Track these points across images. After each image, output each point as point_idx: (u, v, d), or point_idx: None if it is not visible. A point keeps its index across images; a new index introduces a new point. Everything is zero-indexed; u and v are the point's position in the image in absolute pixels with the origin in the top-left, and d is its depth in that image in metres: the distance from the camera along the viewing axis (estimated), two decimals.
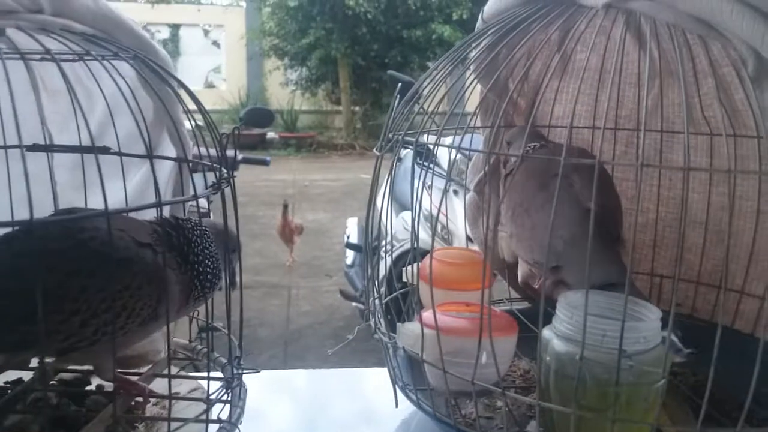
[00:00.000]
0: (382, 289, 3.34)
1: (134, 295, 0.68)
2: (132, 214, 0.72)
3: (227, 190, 0.72)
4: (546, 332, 0.67)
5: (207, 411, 0.68)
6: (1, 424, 0.74)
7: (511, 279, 1.08)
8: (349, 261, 4.17)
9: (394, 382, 0.82)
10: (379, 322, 0.84)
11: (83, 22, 0.66)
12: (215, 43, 13.60)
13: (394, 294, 0.96)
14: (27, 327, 0.63)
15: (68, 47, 0.69)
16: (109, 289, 0.65)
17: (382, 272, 3.44)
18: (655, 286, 1.05)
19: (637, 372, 0.62)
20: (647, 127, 1.01)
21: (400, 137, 0.82)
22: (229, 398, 0.72)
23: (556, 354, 0.66)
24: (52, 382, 0.83)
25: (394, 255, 3.25)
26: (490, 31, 0.85)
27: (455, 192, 3.17)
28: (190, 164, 0.84)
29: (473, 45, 0.86)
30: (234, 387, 0.72)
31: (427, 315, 0.74)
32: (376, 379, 1.09)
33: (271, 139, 10.82)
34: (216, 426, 0.69)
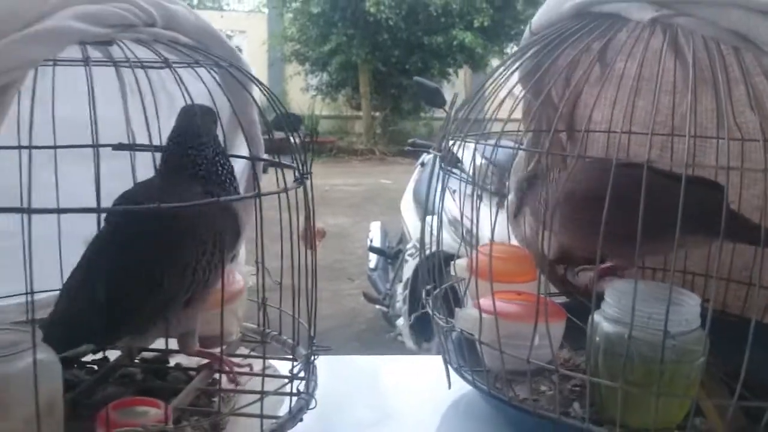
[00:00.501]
0: (406, 291, 3.38)
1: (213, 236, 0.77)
2: None
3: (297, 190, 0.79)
4: (596, 316, 0.74)
5: (291, 382, 0.76)
6: (95, 396, 0.82)
7: (551, 275, 1.15)
8: (372, 264, 4.24)
9: (447, 364, 0.89)
10: (436, 309, 0.91)
11: (185, 34, 0.74)
12: (237, 49, 13.68)
13: (446, 285, 1.03)
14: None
15: (157, 55, 0.77)
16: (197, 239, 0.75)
17: (406, 275, 3.51)
18: (687, 283, 1.12)
19: (679, 350, 0.69)
20: (680, 132, 1.08)
21: (461, 137, 0.89)
22: (305, 375, 0.79)
23: (605, 334, 0.73)
24: (135, 360, 0.91)
25: (419, 258, 3.32)
26: (537, 42, 0.92)
27: (480, 197, 3.23)
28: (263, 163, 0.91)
29: (524, 55, 0.93)
30: (310, 364, 0.79)
31: (484, 301, 0.81)
32: (423, 365, 1.17)
33: (284, 147, 10.90)
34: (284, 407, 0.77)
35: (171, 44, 0.72)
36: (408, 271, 3.37)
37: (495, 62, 10.33)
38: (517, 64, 0.95)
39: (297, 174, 0.77)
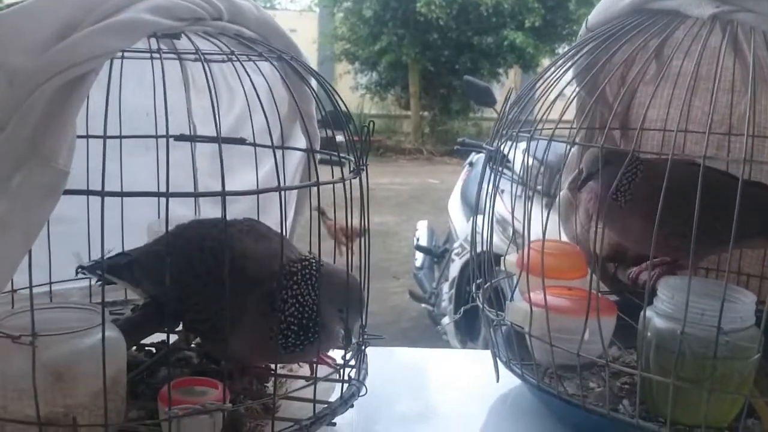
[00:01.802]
0: (452, 291, 3.36)
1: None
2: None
3: (351, 182, 0.80)
4: (648, 312, 0.74)
5: (342, 369, 0.78)
6: (156, 376, 0.85)
7: (602, 273, 1.15)
8: (418, 263, 4.25)
9: (496, 358, 0.90)
10: (486, 303, 0.92)
11: (249, 27, 0.76)
12: None
13: (496, 280, 1.03)
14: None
15: (219, 48, 0.80)
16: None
17: (452, 274, 3.51)
18: (741, 284, 1.10)
19: (733, 347, 0.69)
20: (738, 131, 1.06)
21: (514, 134, 0.89)
22: (356, 362, 0.81)
23: (657, 330, 0.73)
24: (192, 345, 0.94)
25: (465, 258, 3.32)
26: (593, 39, 0.92)
27: (529, 197, 3.21)
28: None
29: (579, 52, 0.93)
30: (361, 352, 0.81)
31: (534, 295, 0.82)
32: (470, 359, 1.18)
33: (339, 142, 10.99)
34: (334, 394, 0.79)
35: (236, 37, 0.75)
36: (454, 270, 3.37)
37: (546, 63, 10.22)
38: (572, 61, 0.95)
39: (353, 166, 0.78)
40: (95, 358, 0.61)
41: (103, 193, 0.58)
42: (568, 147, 0.93)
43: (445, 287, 3.53)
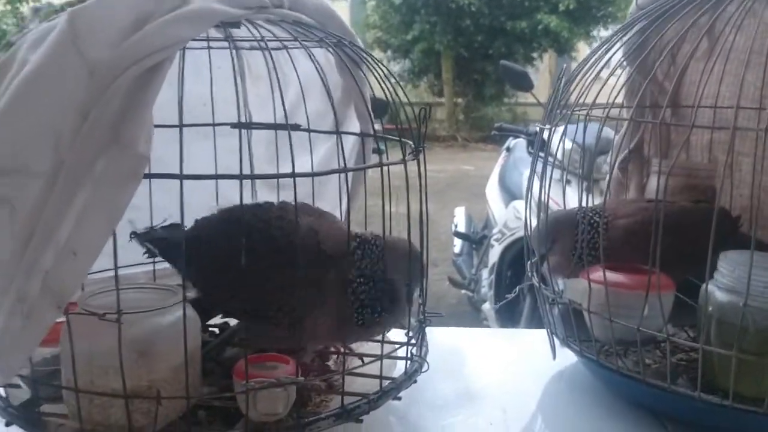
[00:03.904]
0: (492, 276, 3.35)
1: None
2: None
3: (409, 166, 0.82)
4: (709, 285, 0.75)
5: (407, 345, 0.80)
6: (221, 355, 0.88)
7: None
8: (457, 249, 4.26)
9: (553, 335, 0.91)
10: (543, 281, 0.93)
11: (308, 14, 0.79)
12: None
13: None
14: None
15: (274, 35, 0.82)
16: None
17: (492, 260, 3.50)
18: None
19: None
20: None
21: (569, 113, 0.90)
22: (417, 340, 0.83)
23: (719, 303, 0.73)
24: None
25: (505, 243, 3.32)
26: (644, 17, 0.92)
27: (568, 182, 3.19)
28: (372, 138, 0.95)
29: (627, 31, 0.93)
30: (422, 330, 0.83)
31: (592, 272, 0.83)
32: (524, 338, 1.19)
33: (384, 129, 11.00)
34: (397, 370, 0.81)
35: (294, 24, 0.77)
36: (494, 256, 3.37)
37: (581, 46, 10.09)
38: (622, 40, 0.95)
39: (412, 147, 0.80)
40: (175, 334, 0.64)
41: (181, 177, 0.61)
42: (623, 126, 0.93)
43: (485, 273, 3.53)
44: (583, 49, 9.80)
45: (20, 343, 0.62)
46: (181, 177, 0.60)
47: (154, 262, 1.00)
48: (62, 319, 0.63)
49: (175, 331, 0.64)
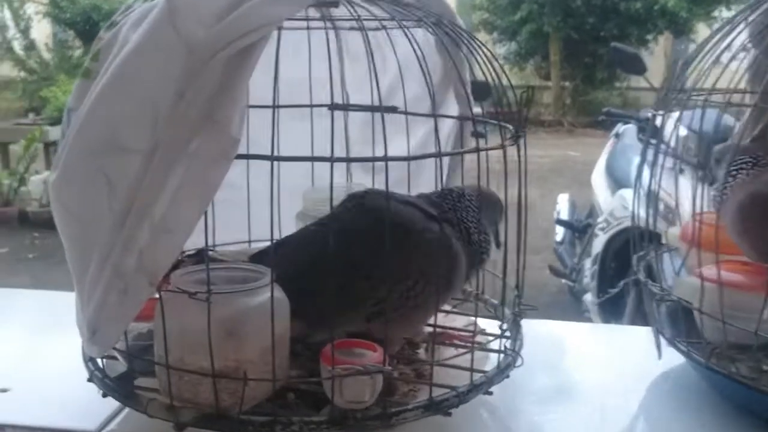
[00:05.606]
0: (595, 266, 3.25)
1: (431, 264, 0.74)
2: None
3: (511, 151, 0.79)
4: None
5: (501, 337, 0.77)
6: (312, 338, 0.88)
7: None
8: (558, 238, 4.15)
9: (659, 334, 0.86)
10: (651, 277, 0.88)
11: None
12: None
13: (661, 252, 0.98)
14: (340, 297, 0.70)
15: (374, 14, 0.80)
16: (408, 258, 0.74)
17: (596, 249, 3.39)
18: None
19: None
20: None
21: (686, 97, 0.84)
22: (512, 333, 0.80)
23: None
24: None
25: (610, 233, 3.19)
26: None
27: (681, 170, 3.04)
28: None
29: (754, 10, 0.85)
30: (517, 322, 0.80)
31: (707, 270, 0.77)
32: (627, 335, 1.13)
33: (476, 113, 10.90)
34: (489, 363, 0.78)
35: (393, 3, 0.74)
36: (598, 245, 3.26)
37: (700, 27, 9.56)
38: (747, 20, 0.88)
39: (512, 132, 0.77)
40: (264, 315, 0.64)
41: (272, 158, 0.60)
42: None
43: (588, 263, 3.42)
44: (702, 31, 9.29)
45: (117, 317, 0.64)
46: (272, 158, 0.59)
47: (249, 241, 1.02)
48: (156, 295, 0.65)
49: (264, 312, 0.64)
